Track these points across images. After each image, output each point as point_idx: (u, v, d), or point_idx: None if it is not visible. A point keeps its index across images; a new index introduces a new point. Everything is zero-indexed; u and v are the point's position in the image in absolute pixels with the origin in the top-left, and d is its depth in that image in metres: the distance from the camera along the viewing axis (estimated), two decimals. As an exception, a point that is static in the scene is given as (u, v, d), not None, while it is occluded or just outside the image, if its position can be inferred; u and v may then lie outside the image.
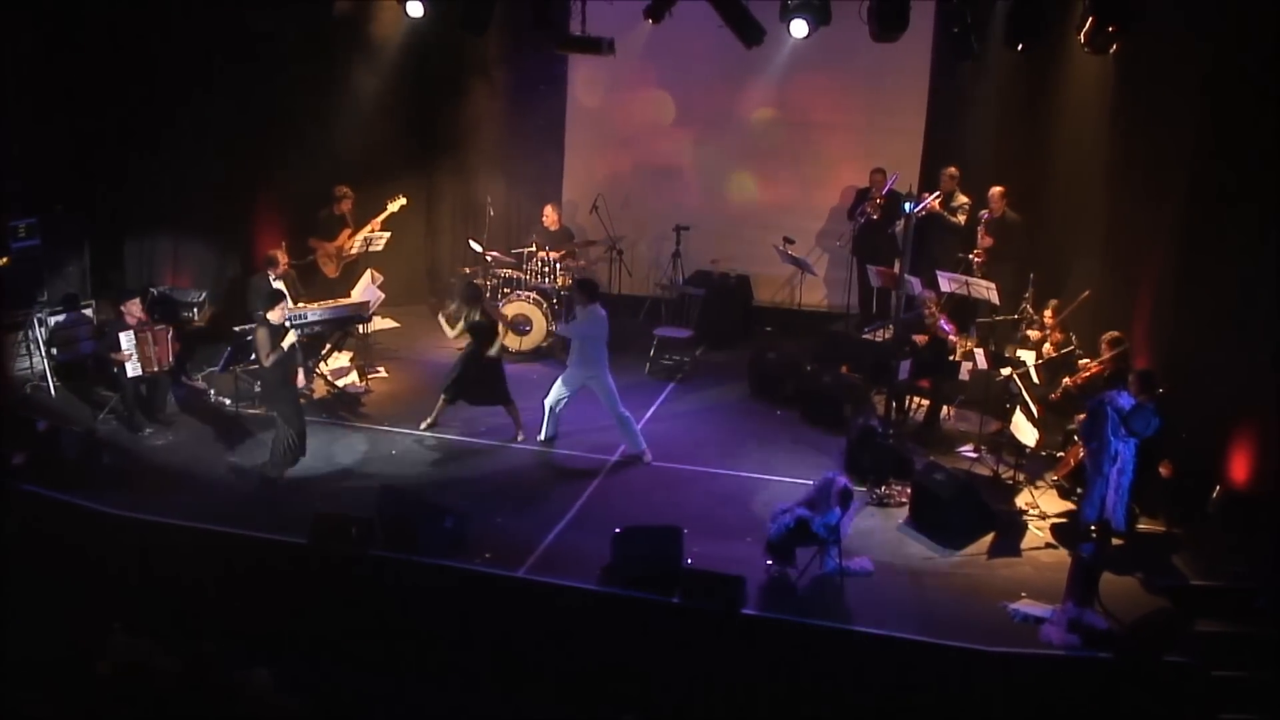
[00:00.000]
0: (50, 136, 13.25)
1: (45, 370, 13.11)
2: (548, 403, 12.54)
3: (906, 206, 12.15)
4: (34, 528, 10.74)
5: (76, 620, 9.96)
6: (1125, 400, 10.51)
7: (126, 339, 12.43)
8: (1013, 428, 12.00)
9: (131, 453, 12.10)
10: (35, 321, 13.03)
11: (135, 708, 8.65)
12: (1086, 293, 12.80)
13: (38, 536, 10.68)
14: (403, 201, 15.40)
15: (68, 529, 10.80)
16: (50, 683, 8.90)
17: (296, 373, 11.77)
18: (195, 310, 14.02)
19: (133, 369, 12.48)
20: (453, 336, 12.89)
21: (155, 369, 12.65)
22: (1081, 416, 11.19)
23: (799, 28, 12.89)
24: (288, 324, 11.55)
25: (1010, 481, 11.99)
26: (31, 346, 13.27)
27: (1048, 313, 13.01)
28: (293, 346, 11.47)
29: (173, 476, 11.66)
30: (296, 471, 11.80)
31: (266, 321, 11.36)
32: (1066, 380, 12.24)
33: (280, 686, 8.86)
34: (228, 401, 13.37)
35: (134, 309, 12.64)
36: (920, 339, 13.27)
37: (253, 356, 13.20)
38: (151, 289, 13.95)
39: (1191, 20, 11.52)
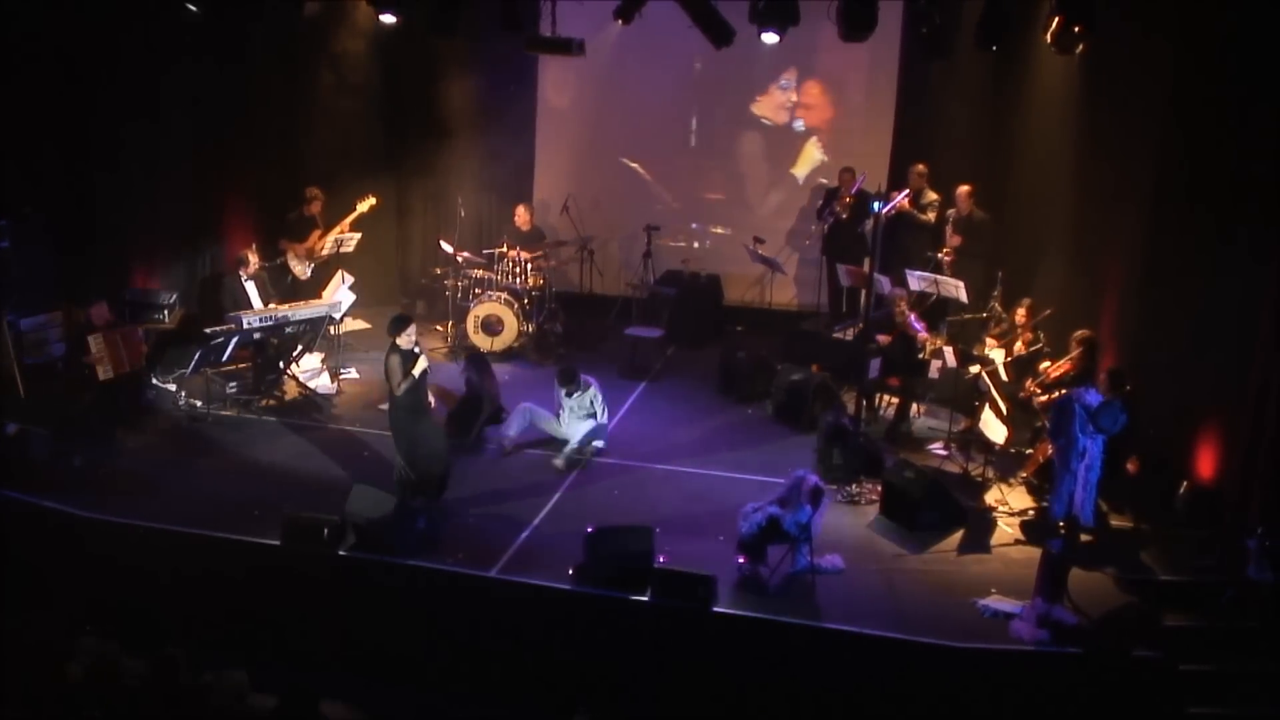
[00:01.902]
0: (18, 139, 13.15)
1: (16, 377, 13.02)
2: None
3: (875, 205, 12.19)
4: (3, 531, 10.69)
5: (47, 624, 9.92)
6: (1093, 397, 10.58)
7: (95, 342, 12.36)
8: (982, 425, 12.08)
9: (102, 455, 12.03)
10: (5, 324, 12.94)
11: (106, 711, 8.62)
12: (1048, 311, 12.92)
13: (7, 540, 10.62)
14: (372, 201, 15.37)
15: (37, 532, 10.75)
16: (20, 686, 8.87)
17: (428, 397, 11.16)
18: (166, 312, 13.95)
19: (104, 372, 12.41)
20: None
21: (126, 369, 12.59)
22: (1048, 407, 11.30)
23: (769, 37, 12.94)
24: (416, 350, 10.93)
25: (979, 478, 12.07)
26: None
27: (1021, 312, 13.08)
28: (424, 372, 10.88)
29: (143, 479, 11.60)
30: (267, 473, 11.80)
31: (396, 348, 10.82)
32: (1029, 383, 12.33)
33: (253, 687, 8.86)
34: (199, 403, 13.32)
35: (102, 312, 12.58)
36: (884, 339, 13.32)
37: (216, 357, 13.18)
38: (121, 291, 13.88)
39: (1153, 21, 11.62)
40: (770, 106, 17.14)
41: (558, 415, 12.65)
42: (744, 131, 17.32)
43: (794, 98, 17.05)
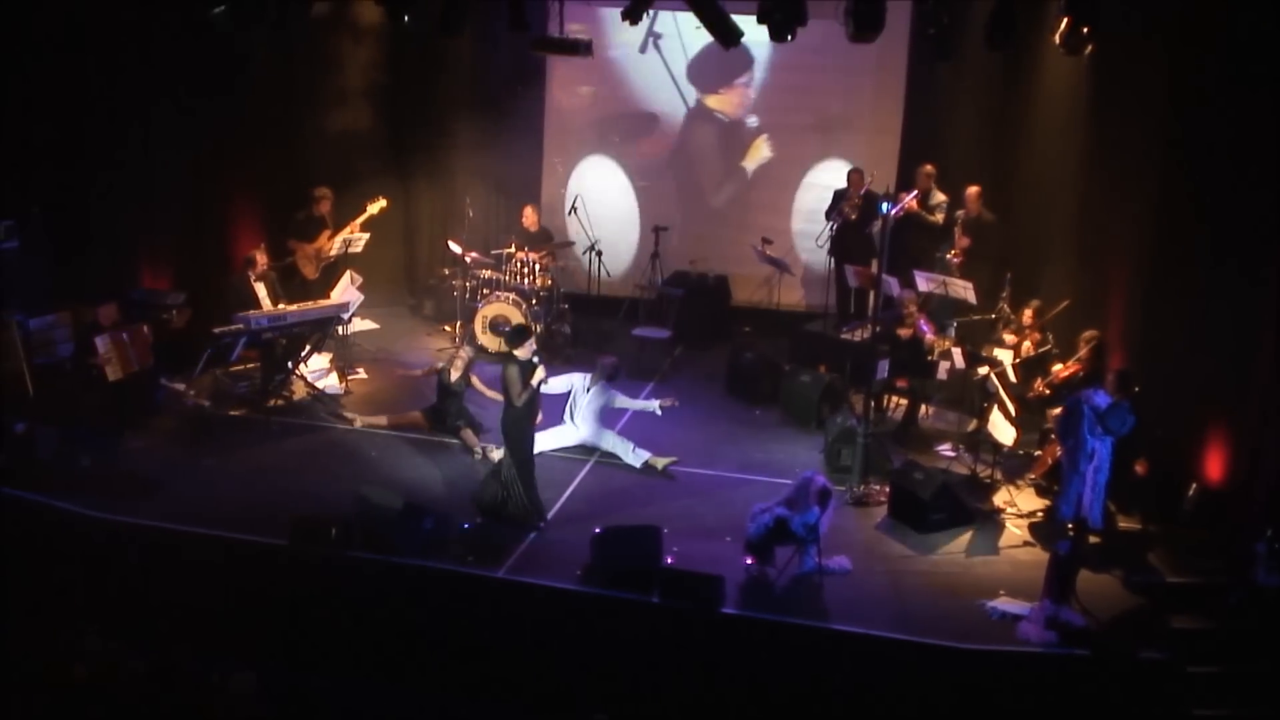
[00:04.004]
0: (26, 138, 13.19)
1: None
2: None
3: (884, 206, 12.19)
4: (9, 530, 10.70)
5: (51, 624, 9.94)
6: (1101, 399, 10.57)
7: (102, 343, 12.36)
8: (990, 426, 12.06)
9: (110, 454, 12.03)
10: (14, 324, 12.97)
11: (110, 711, 8.65)
12: (1065, 302, 12.90)
13: (13, 539, 10.64)
14: (383, 203, 15.36)
15: (43, 531, 10.77)
16: (24, 686, 8.89)
17: (537, 411, 11.23)
18: (173, 312, 13.94)
19: (112, 373, 12.41)
20: None
21: (135, 369, 12.60)
22: (1057, 411, 11.29)
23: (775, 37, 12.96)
24: (535, 359, 10.90)
25: (988, 480, 12.05)
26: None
27: (1028, 313, 13.07)
28: (541, 383, 10.89)
29: (151, 479, 11.60)
30: (275, 473, 11.82)
31: (514, 359, 10.73)
32: (1038, 383, 12.32)
33: (261, 690, 8.88)
34: (207, 403, 13.34)
35: (110, 312, 12.59)
36: (905, 333, 13.31)
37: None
38: (129, 290, 13.88)
39: (1156, 23, 11.62)
40: (775, 106, 17.15)
41: (570, 417, 12.68)
42: (748, 130, 17.33)
43: (798, 96, 17.06)
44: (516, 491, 10.90)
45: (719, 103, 17.29)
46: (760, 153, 17.35)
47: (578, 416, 12.58)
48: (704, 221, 17.53)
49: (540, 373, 10.81)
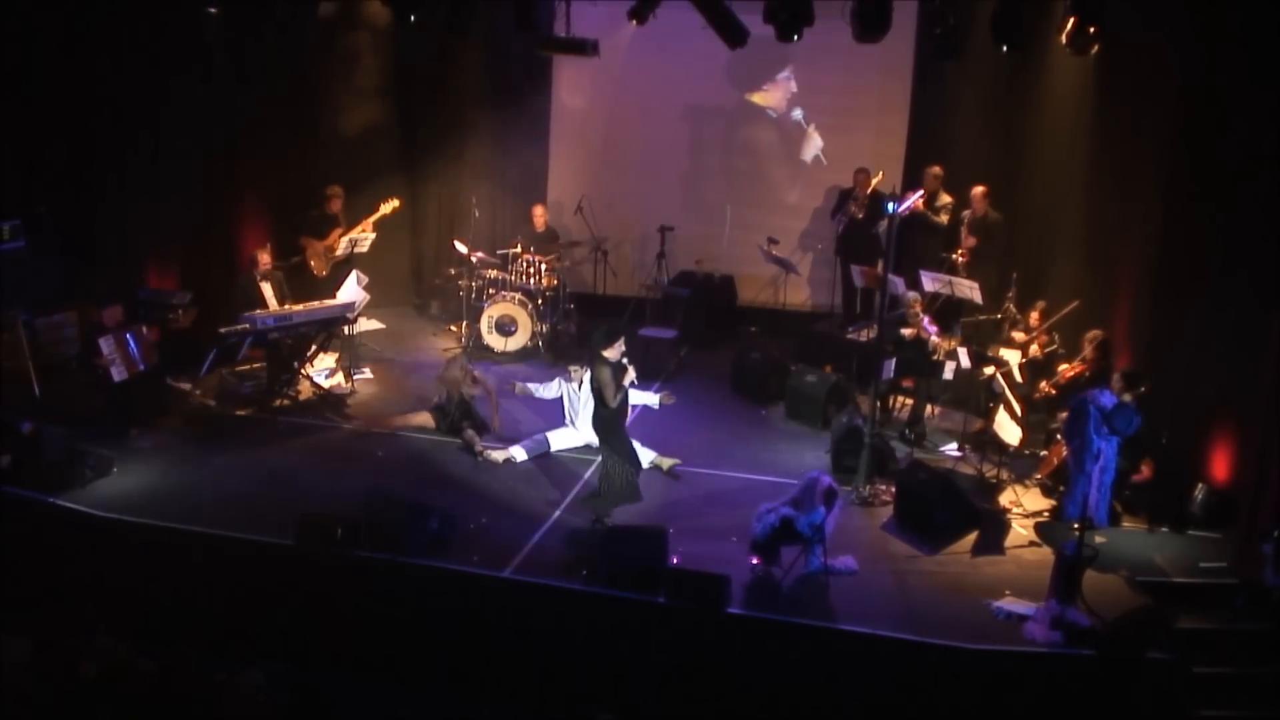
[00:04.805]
0: (33, 138, 13.20)
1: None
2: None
3: (890, 206, 12.20)
4: (16, 530, 10.72)
5: (59, 623, 9.95)
6: (1107, 399, 10.56)
7: (107, 344, 12.36)
8: (996, 427, 12.06)
9: (116, 455, 12.04)
10: (20, 323, 12.98)
11: (117, 710, 8.65)
12: (1075, 303, 12.89)
13: (20, 539, 10.66)
14: (395, 203, 15.37)
15: (50, 531, 10.79)
16: (33, 685, 8.90)
17: (628, 410, 11.23)
18: (180, 311, 13.95)
19: (117, 373, 12.42)
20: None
21: (140, 370, 12.61)
22: (1064, 414, 11.28)
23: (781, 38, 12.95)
24: (624, 360, 10.83)
25: (994, 480, 12.04)
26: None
27: (1035, 314, 13.06)
28: (632, 383, 10.92)
29: (157, 478, 11.60)
30: (281, 473, 11.82)
31: (605, 360, 10.67)
32: (1044, 384, 12.32)
33: (267, 688, 8.89)
34: (213, 403, 13.35)
35: (115, 314, 12.60)
36: (909, 333, 13.30)
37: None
38: (136, 290, 13.90)
39: (1164, 23, 11.61)
40: (780, 103, 17.14)
41: (572, 420, 12.67)
42: (754, 130, 17.33)
43: (805, 95, 17.06)
44: (620, 477, 10.83)
45: (725, 102, 17.28)
46: (765, 152, 17.34)
47: (579, 418, 12.56)
48: (710, 221, 17.51)
49: (631, 373, 10.82)
